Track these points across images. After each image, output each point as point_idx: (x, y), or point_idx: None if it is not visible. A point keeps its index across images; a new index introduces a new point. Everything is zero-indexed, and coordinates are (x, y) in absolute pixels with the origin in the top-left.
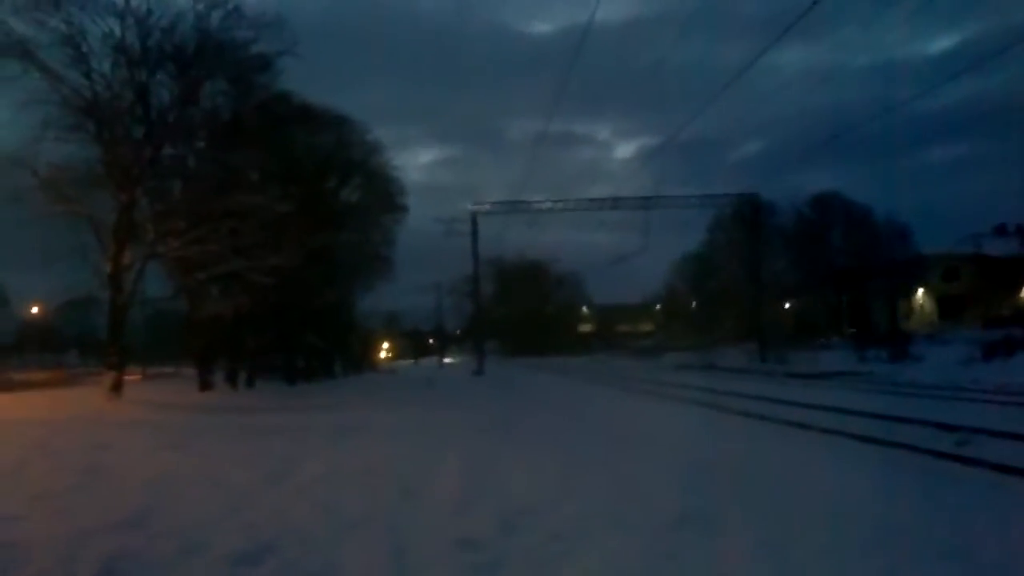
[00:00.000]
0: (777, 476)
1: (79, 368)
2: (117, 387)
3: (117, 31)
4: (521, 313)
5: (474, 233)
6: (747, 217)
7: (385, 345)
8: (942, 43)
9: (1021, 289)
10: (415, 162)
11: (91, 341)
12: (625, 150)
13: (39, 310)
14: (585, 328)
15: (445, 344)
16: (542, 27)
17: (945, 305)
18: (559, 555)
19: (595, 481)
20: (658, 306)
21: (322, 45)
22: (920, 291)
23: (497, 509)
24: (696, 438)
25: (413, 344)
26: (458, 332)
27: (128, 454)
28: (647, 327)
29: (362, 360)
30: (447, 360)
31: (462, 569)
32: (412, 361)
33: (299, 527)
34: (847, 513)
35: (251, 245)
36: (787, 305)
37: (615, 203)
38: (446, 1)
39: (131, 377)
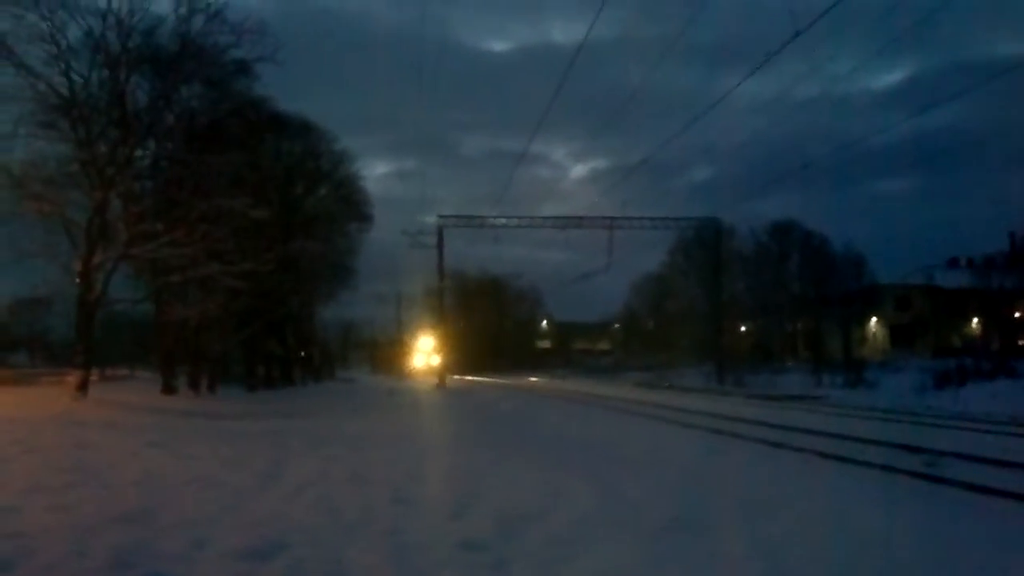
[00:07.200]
0: (764, 490)
1: (27, 369)
2: (83, 387)
3: (97, 30)
4: (479, 327)
5: (440, 246)
6: (708, 241)
7: (427, 347)
8: (889, 79)
9: (971, 320)
10: (370, 173)
11: (42, 342)
12: (579, 171)
13: None
14: (543, 344)
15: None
16: (499, 46)
17: (897, 334)
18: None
19: (565, 488)
20: (616, 325)
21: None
22: (873, 319)
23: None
24: (673, 455)
25: None
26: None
27: (111, 453)
28: (604, 345)
29: (321, 369)
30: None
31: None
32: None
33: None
34: (843, 525)
35: (224, 250)
36: (743, 328)
37: (579, 222)
38: (404, 15)
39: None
